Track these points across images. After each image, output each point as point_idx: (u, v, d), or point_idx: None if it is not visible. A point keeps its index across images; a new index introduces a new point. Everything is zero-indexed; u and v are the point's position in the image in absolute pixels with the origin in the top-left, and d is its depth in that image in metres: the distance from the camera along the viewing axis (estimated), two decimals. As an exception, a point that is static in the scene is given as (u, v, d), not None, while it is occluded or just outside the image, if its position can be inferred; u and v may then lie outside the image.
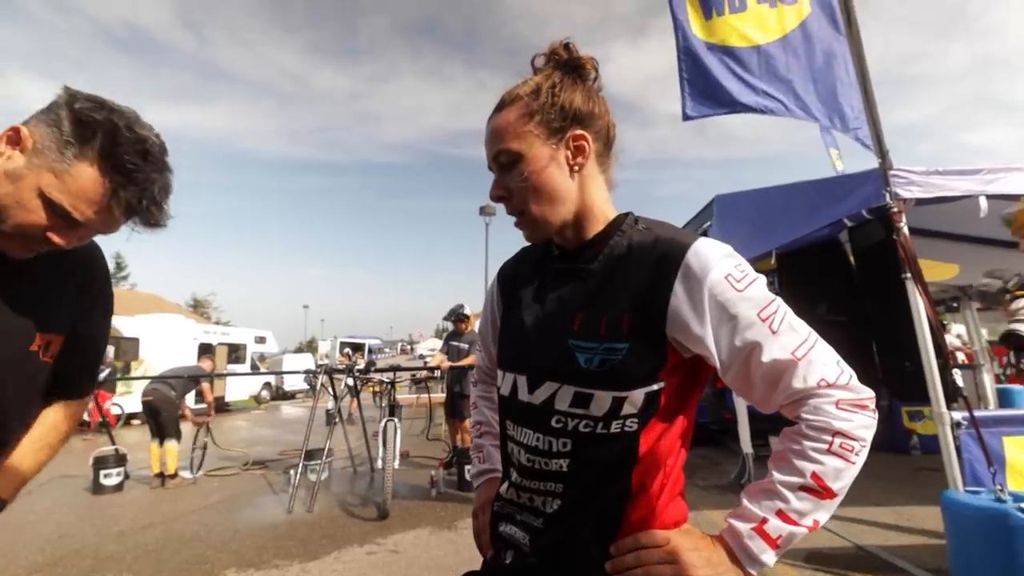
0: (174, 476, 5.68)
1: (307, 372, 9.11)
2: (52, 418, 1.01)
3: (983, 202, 2.71)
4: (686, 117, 2.95)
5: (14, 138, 0.79)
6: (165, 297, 27.42)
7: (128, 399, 11.30)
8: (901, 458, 5.84)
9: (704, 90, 2.88)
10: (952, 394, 2.71)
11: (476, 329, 6.38)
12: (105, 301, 1.07)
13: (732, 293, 0.71)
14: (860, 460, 0.67)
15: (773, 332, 0.69)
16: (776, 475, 0.69)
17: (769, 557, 0.68)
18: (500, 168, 0.82)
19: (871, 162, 2.85)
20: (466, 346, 6.12)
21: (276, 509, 4.68)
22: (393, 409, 5.22)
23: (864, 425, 0.68)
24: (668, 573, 0.69)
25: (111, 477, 5.45)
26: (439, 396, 10.34)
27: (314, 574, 3.30)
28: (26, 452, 0.96)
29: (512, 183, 0.81)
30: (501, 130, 0.80)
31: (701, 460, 6.09)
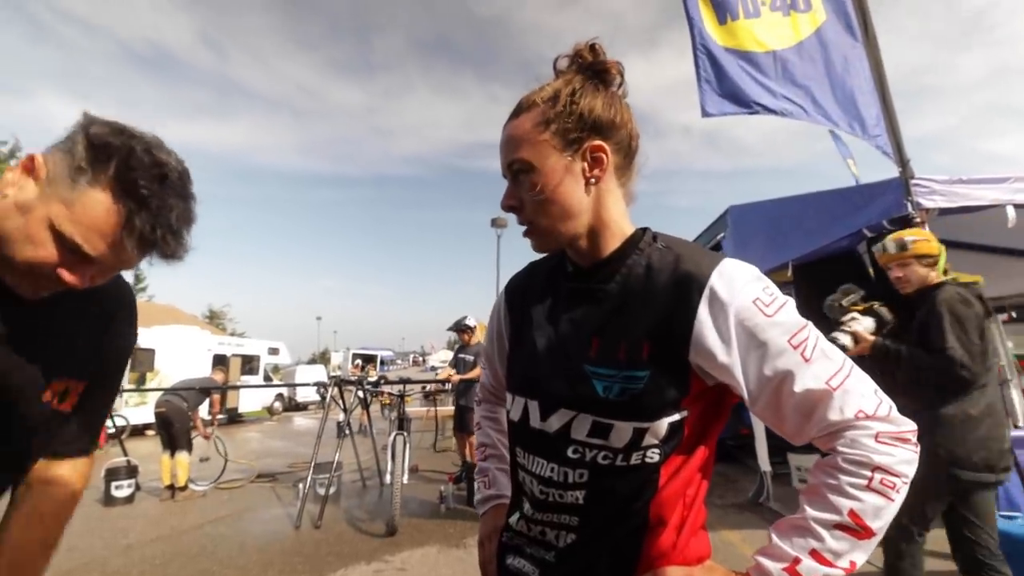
0: (184, 488, 5.67)
1: (318, 384, 9.10)
2: (54, 498, 0.90)
3: (1011, 212, 2.61)
4: (705, 114, 2.88)
5: (28, 167, 0.74)
6: (182, 308, 27.88)
7: (141, 410, 11.42)
8: (927, 477, 5.62)
9: (722, 89, 2.82)
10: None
11: (482, 341, 6.39)
12: (124, 347, 0.99)
13: (761, 318, 0.66)
14: (901, 498, 0.61)
15: (806, 360, 0.64)
16: (809, 511, 0.63)
17: None
18: (513, 177, 0.78)
19: (885, 173, 2.77)
20: (471, 358, 6.08)
21: (284, 523, 4.63)
22: (403, 422, 5.17)
23: (906, 460, 0.62)
24: None
25: (122, 489, 5.46)
26: (447, 409, 10.29)
27: (320, 592, 3.24)
28: (29, 556, 0.85)
29: (524, 194, 0.76)
30: (516, 138, 0.76)
31: (717, 477, 5.90)
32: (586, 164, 0.75)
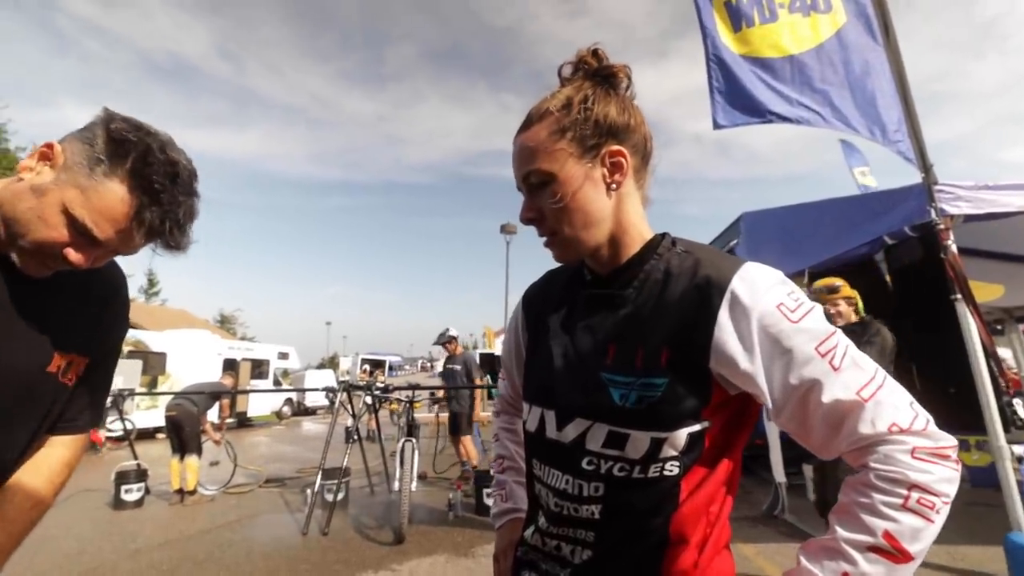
0: (193, 492, 5.68)
1: (327, 389, 9.10)
2: (49, 464, 0.94)
3: (1040, 218, 2.54)
4: (717, 125, 2.84)
5: (47, 154, 0.79)
6: (194, 313, 28.17)
7: (152, 413, 11.49)
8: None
9: (735, 99, 2.78)
10: (1008, 424, 2.50)
11: (469, 350, 6.60)
12: (120, 328, 1.03)
13: (786, 324, 0.62)
14: (941, 519, 0.56)
15: (834, 369, 0.60)
16: (841, 532, 0.59)
17: None
18: (530, 189, 0.75)
19: (899, 180, 2.71)
20: (459, 368, 6.25)
21: (291, 530, 4.60)
22: (412, 429, 5.13)
23: (946, 478, 0.57)
24: None
25: (132, 492, 5.47)
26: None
27: (327, 601, 3.20)
28: (18, 511, 0.88)
29: (544, 205, 0.73)
30: (531, 149, 0.73)
31: (730, 488, 5.81)
32: (606, 170, 0.73)
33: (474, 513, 4.93)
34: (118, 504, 5.40)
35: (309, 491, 4.93)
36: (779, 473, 4.80)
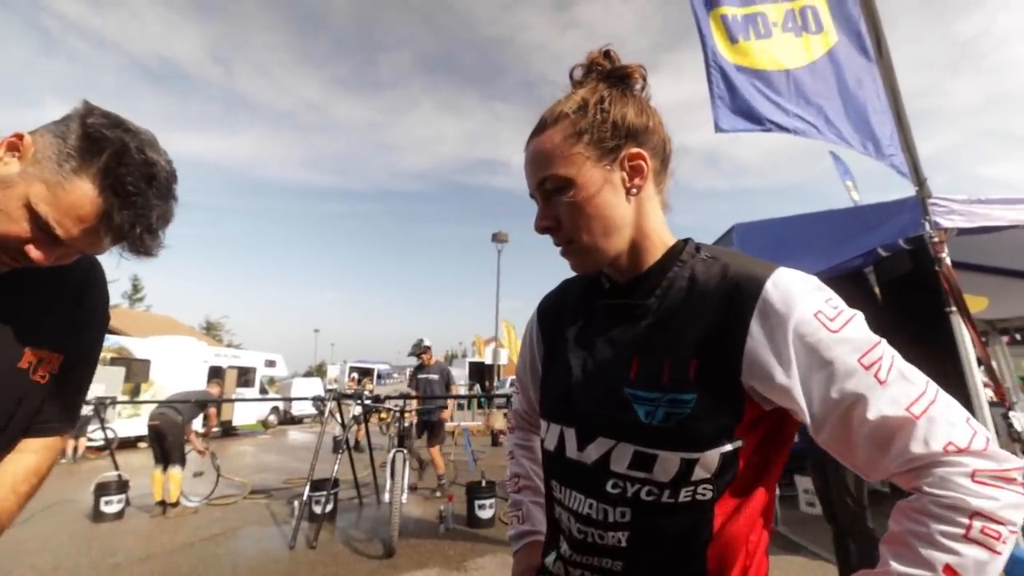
0: (176, 504, 5.52)
1: (316, 398, 8.97)
2: (14, 471, 0.88)
3: (1032, 233, 2.57)
4: (719, 129, 2.86)
5: (15, 144, 0.75)
6: (179, 319, 27.71)
7: (134, 422, 11.23)
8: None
9: (735, 106, 2.80)
10: (1008, 436, 2.51)
11: (441, 359, 6.71)
12: (96, 325, 0.98)
13: (825, 334, 0.58)
14: (1008, 550, 0.52)
15: (880, 382, 0.56)
16: (896, 566, 0.54)
17: None
18: (545, 196, 0.71)
19: (887, 194, 2.75)
20: (436, 376, 6.38)
21: (278, 543, 4.48)
22: (403, 439, 5.05)
23: (1012, 504, 0.52)
24: None
25: (112, 504, 5.30)
26: (448, 425, 10.12)
27: (315, 618, 3.11)
28: None
29: (561, 212, 0.70)
30: (546, 154, 0.70)
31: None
32: (625, 174, 0.70)
33: (466, 525, 4.85)
34: (97, 516, 5.23)
35: (297, 503, 4.82)
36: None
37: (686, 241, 0.74)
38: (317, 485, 4.89)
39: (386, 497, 4.77)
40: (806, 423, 0.60)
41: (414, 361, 6.87)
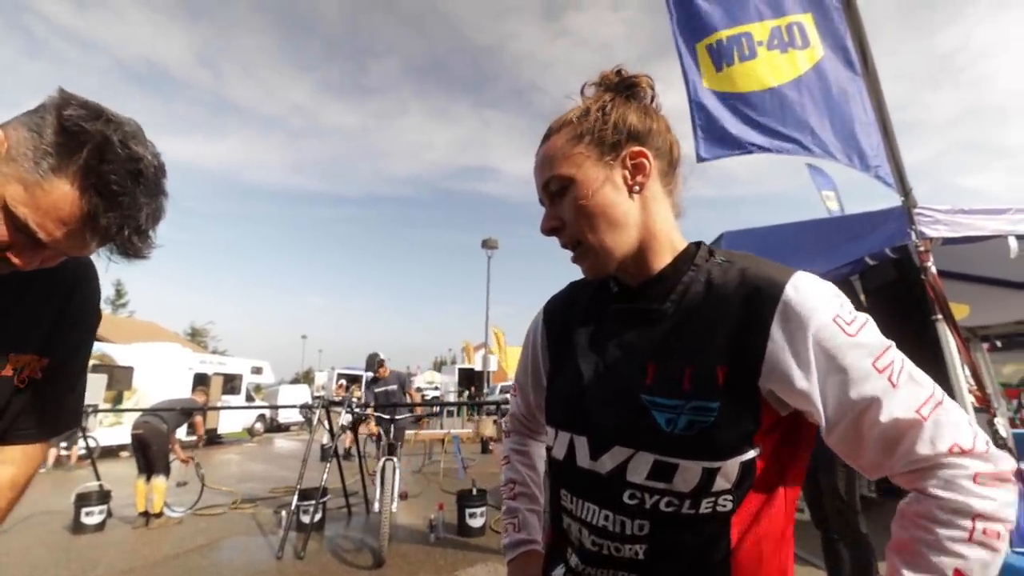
0: (159, 515, 5.39)
1: (304, 406, 8.86)
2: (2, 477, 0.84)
3: (1013, 242, 2.63)
4: (700, 159, 2.93)
5: None
6: (163, 325, 27.25)
7: (117, 430, 11.00)
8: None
9: (716, 134, 2.88)
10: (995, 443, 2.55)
11: (398, 371, 6.86)
12: (83, 327, 0.93)
13: (842, 338, 0.59)
14: (1005, 547, 0.54)
15: (893, 385, 0.57)
16: (906, 572, 0.55)
17: None
18: (551, 197, 0.73)
19: (872, 204, 2.81)
20: (395, 387, 6.58)
21: (265, 554, 4.40)
22: (392, 448, 5.00)
23: (1008, 503, 0.55)
24: None
25: (93, 515, 5.17)
26: (438, 432, 10.06)
27: (303, 630, 3.05)
28: None
29: (565, 211, 0.71)
30: (549, 157, 0.72)
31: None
32: (627, 172, 0.71)
33: (456, 534, 4.81)
34: (77, 528, 5.09)
35: (284, 512, 4.74)
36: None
37: (698, 244, 0.74)
38: (305, 494, 4.81)
39: (376, 506, 4.72)
40: (821, 426, 0.60)
41: (402, 368, 6.96)
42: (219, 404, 14.37)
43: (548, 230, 0.73)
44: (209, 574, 3.95)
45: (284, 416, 19.36)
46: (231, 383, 16.80)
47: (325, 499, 5.12)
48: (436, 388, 25.73)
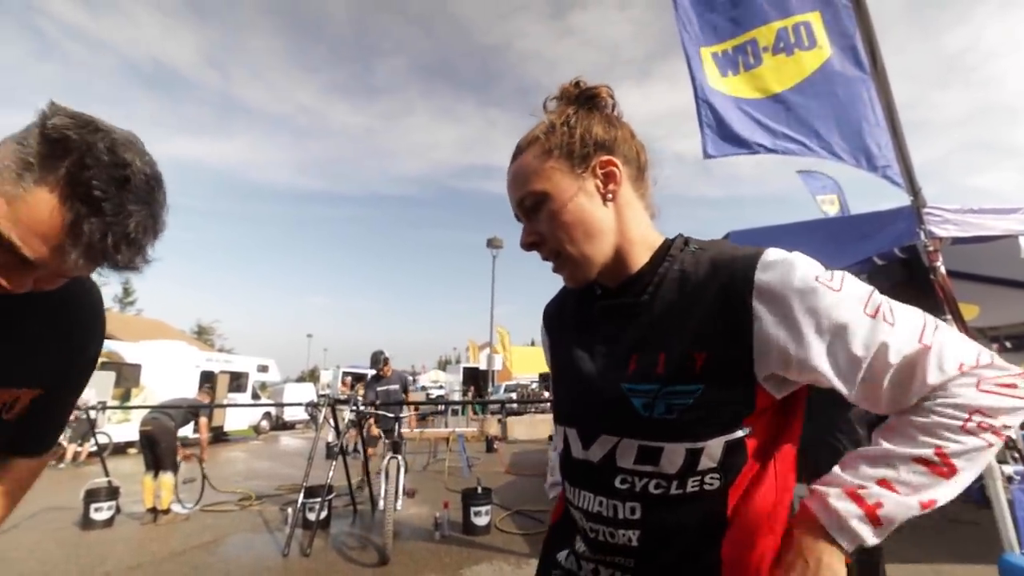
0: (167, 511, 5.45)
1: (309, 404, 8.91)
2: (4, 483, 0.85)
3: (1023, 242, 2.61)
4: (707, 155, 2.94)
5: None
6: (170, 323, 27.47)
7: (124, 427, 11.09)
8: (929, 509, 5.53)
9: (723, 132, 2.89)
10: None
11: (401, 371, 6.82)
12: (86, 357, 0.92)
13: (831, 296, 0.60)
14: (998, 444, 0.56)
15: (891, 324, 0.59)
16: (884, 444, 0.58)
17: (864, 528, 0.55)
18: (527, 214, 0.75)
19: (876, 204, 2.80)
20: (396, 387, 6.48)
21: (271, 550, 4.43)
22: (397, 446, 5.03)
23: (1010, 407, 0.56)
24: None
25: (102, 511, 5.22)
26: (442, 431, 10.08)
27: (309, 627, 3.07)
28: None
29: (542, 225, 0.73)
30: (521, 174, 0.74)
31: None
32: (599, 181, 0.72)
33: (461, 532, 4.82)
34: (87, 523, 5.15)
35: (290, 510, 4.78)
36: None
37: (675, 237, 0.76)
38: (311, 491, 4.84)
39: (381, 504, 4.74)
40: (836, 386, 0.60)
41: (407, 367, 6.94)
42: (225, 402, 14.45)
43: (527, 245, 0.75)
44: (216, 571, 3.98)
45: (290, 414, 19.44)
46: (237, 381, 16.89)
47: (331, 497, 5.15)
48: (441, 387, 25.80)
